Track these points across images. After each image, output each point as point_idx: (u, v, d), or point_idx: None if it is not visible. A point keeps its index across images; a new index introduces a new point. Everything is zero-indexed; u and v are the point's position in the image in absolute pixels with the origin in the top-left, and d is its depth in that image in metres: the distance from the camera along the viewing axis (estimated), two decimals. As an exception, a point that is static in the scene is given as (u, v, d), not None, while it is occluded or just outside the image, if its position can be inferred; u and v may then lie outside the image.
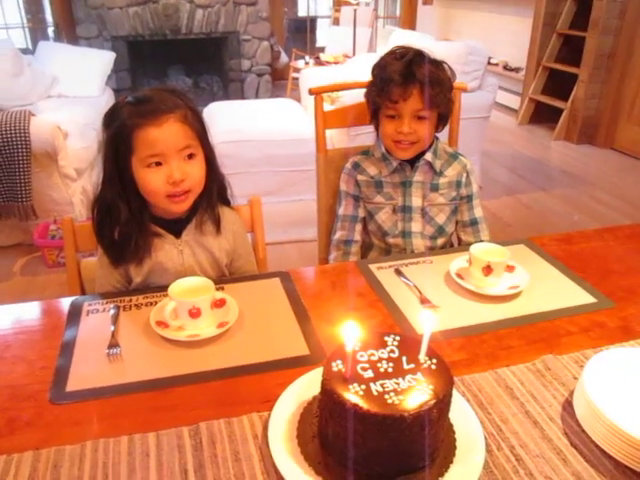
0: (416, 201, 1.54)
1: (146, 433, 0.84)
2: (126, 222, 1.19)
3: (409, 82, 1.38)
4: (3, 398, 0.91)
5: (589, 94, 4.92)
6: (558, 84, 5.30)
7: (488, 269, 1.19)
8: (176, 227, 1.27)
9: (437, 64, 1.42)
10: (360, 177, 1.57)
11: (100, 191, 1.21)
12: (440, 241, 1.58)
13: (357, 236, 1.60)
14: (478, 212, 1.60)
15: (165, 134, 1.13)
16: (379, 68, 1.46)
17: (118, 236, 1.21)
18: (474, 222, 1.59)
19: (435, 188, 1.54)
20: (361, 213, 1.60)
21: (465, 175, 1.56)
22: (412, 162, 1.51)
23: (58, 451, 0.81)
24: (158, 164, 1.15)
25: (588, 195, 3.97)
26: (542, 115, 5.52)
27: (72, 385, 0.94)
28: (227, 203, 1.36)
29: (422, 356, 0.79)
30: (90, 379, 0.95)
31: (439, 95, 1.40)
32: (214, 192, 1.28)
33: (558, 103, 5.23)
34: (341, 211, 1.62)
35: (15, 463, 0.79)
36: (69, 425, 0.86)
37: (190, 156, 1.18)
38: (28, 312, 1.18)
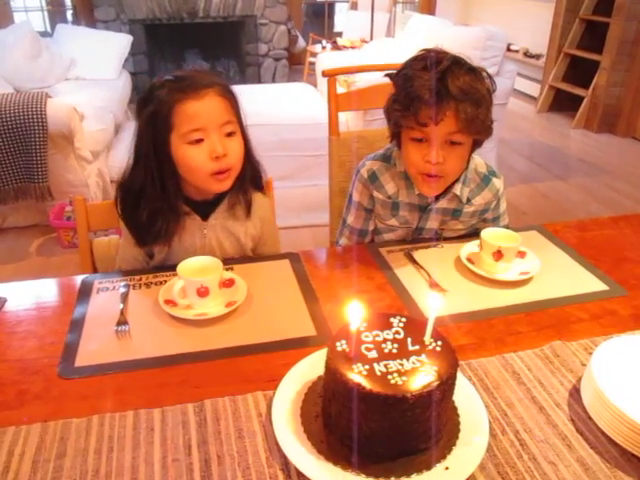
0: (432, 224, 1.37)
1: (151, 408, 0.84)
2: (157, 204, 1.18)
3: (442, 101, 1.12)
4: (14, 372, 0.93)
5: (611, 82, 4.83)
6: (579, 71, 5.22)
7: (499, 254, 1.18)
8: (204, 209, 1.26)
9: (476, 74, 1.16)
10: (376, 194, 1.36)
11: (130, 174, 1.20)
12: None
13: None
14: (503, 222, 1.44)
15: (206, 107, 1.13)
16: (404, 79, 1.18)
17: (147, 218, 1.19)
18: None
19: (457, 216, 1.36)
20: (371, 226, 1.44)
21: (495, 202, 1.37)
22: None
23: (65, 424, 0.82)
24: (199, 141, 1.14)
25: (607, 185, 3.92)
26: (562, 103, 5.44)
27: (80, 360, 0.95)
28: (260, 189, 1.34)
29: (427, 338, 0.78)
30: (98, 355, 0.96)
31: (479, 118, 1.14)
32: (248, 175, 1.27)
33: (579, 91, 5.15)
34: (350, 221, 1.44)
35: (24, 434, 0.80)
36: (77, 399, 0.87)
37: (229, 134, 1.17)
38: (40, 289, 1.19)
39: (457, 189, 1.30)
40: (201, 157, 1.14)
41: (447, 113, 1.13)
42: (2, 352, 0.98)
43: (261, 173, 1.33)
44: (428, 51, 1.18)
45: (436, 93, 1.12)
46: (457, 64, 1.14)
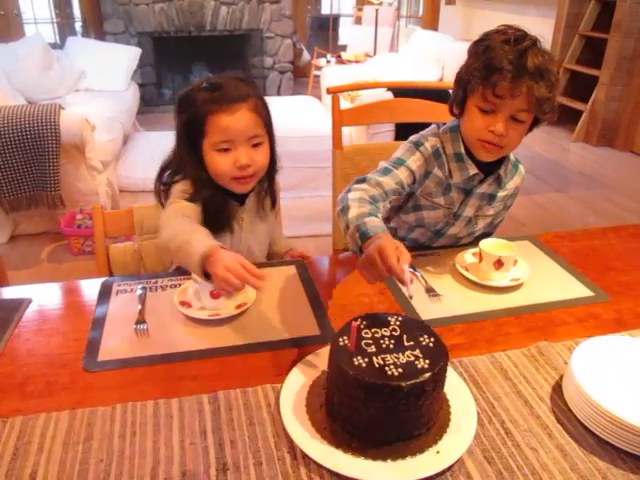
0: (468, 211, 1.42)
1: (169, 399, 0.92)
2: (209, 193, 1.28)
3: (521, 77, 1.16)
4: (42, 365, 1.01)
5: (610, 96, 4.93)
6: (579, 86, 5.32)
7: (499, 263, 1.25)
8: (239, 197, 1.36)
9: (551, 57, 1.21)
10: (437, 172, 1.37)
11: (179, 170, 1.30)
12: (464, 240, 1.51)
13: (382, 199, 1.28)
14: (503, 215, 1.55)
15: (236, 122, 1.22)
16: (485, 49, 1.21)
17: (208, 207, 1.28)
18: (498, 222, 1.57)
19: (492, 200, 1.42)
20: (405, 181, 1.33)
21: (517, 189, 1.48)
22: (485, 170, 1.36)
23: (92, 411, 0.90)
24: (227, 150, 1.24)
25: (605, 198, 3.99)
26: (561, 117, 5.51)
27: (103, 355, 1.03)
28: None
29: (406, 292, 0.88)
30: (119, 351, 1.05)
31: (551, 100, 1.20)
32: (273, 174, 1.40)
33: (578, 105, 5.25)
34: (386, 163, 1.36)
35: (54, 420, 0.88)
36: (101, 390, 0.95)
37: (256, 145, 1.27)
38: (63, 290, 1.28)
39: (502, 169, 1.37)
40: (226, 165, 1.24)
41: (523, 90, 1.17)
42: (30, 347, 1.06)
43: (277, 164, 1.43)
44: (509, 27, 1.23)
45: (516, 68, 1.16)
46: (536, 44, 1.20)
